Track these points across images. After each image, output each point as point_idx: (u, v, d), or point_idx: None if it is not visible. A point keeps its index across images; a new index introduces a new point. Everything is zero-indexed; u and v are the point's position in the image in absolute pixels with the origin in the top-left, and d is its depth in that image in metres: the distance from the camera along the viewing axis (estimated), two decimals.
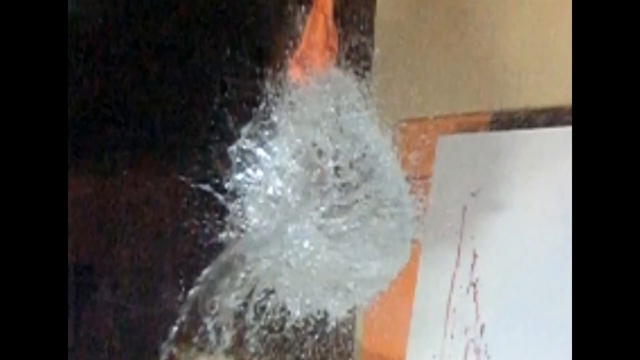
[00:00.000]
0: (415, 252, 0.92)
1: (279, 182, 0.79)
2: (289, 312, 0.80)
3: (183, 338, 0.75)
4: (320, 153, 0.79)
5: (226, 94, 0.98)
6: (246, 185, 0.81)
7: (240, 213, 0.81)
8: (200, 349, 0.76)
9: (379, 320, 0.96)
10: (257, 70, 0.83)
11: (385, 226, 0.80)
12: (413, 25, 1.05)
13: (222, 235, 0.82)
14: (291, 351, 0.92)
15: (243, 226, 0.81)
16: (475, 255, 0.91)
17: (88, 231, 1.18)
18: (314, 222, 0.77)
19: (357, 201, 0.79)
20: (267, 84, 0.82)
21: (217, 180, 0.82)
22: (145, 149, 1.15)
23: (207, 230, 0.83)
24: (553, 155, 0.85)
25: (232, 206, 0.81)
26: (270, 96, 0.82)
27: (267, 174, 0.81)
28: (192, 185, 0.88)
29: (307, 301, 0.80)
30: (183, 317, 0.73)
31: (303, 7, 0.85)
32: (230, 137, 0.81)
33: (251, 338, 0.79)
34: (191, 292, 0.73)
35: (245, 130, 0.81)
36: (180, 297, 0.74)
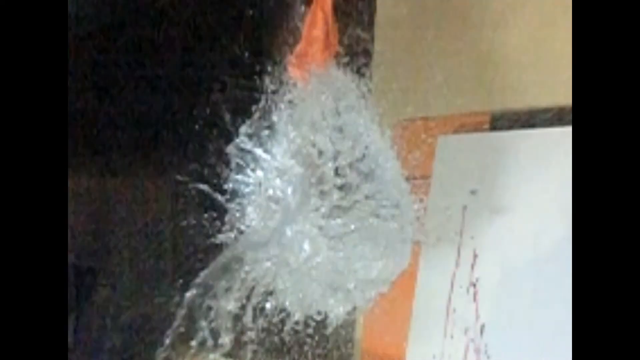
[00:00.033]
0: (415, 252, 0.92)
1: (278, 183, 0.79)
2: (288, 314, 0.80)
3: (181, 340, 0.75)
4: (320, 153, 0.79)
5: (225, 93, 0.98)
6: (245, 186, 0.81)
7: (239, 213, 0.81)
8: (199, 352, 0.76)
9: (379, 321, 0.96)
10: (256, 68, 0.83)
11: (386, 227, 0.80)
12: (413, 23, 1.05)
13: (221, 236, 0.82)
14: (291, 353, 0.92)
15: (242, 227, 0.81)
16: (475, 255, 0.90)
17: (86, 232, 1.18)
18: (314, 223, 0.77)
19: (357, 202, 0.79)
20: (266, 82, 0.82)
21: (215, 181, 0.82)
22: (144, 149, 1.15)
23: (205, 231, 0.83)
24: (553, 155, 0.85)
25: (231, 206, 0.81)
26: (269, 94, 0.81)
27: (267, 174, 0.81)
28: (191, 186, 0.88)
29: (307, 302, 0.80)
30: (181, 319, 0.73)
31: (303, 4, 0.85)
32: (229, 137, 0.81)
33: (250, 340, 0.79)
34: (189, 293, 0.73)
35: (244, 129, 0.81)
36: (178, 299, 0.74)
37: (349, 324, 1.02)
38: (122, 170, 1.17)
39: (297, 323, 0.81)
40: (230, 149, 0.81)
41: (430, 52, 1.00)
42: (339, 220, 0.78)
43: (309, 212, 0.77)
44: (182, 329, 0.74)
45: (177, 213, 1.12)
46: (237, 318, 0.76)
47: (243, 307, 0.77)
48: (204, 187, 0.83)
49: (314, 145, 0.79)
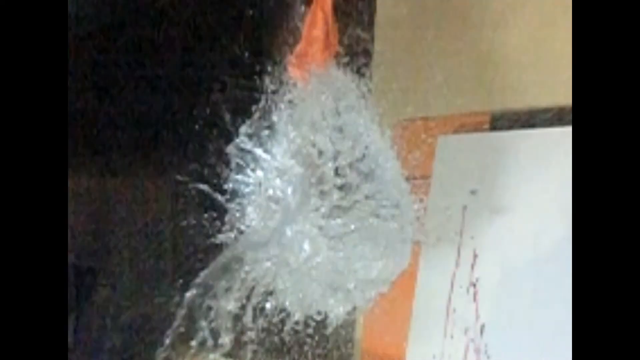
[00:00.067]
0: (416, 252, 0.92)
1: (278, 183, 0.79)
2: (288, 314, 0.80)
3: (181, 340, 0.75)
4: (320, 153, 0.79)
5: (225, 93, 0.98)
6: (245, 186, 0.81)
7: (239, 213, 0.81)
8: (199, 352, 0.76)
9: (379, 321, 0.96)
10: (256, 68, 0.83)
11: (386, 227, 0.80)
12: (413, 23, 1.05)
13: (221, 236, 0.82)
14: (291, 353, 0.92)
15: (242, 227, 0.81)
16: (475, 255, 0.90)
17: (86, 232, 1.18)
18: (314, 223, 0.77)
19: (357, 202, 0.79)
20: (266, 82, 0.82)
21: (215, 181, 0.82)
22: (144, 149, 1.15)
23: (205, 231, 0.83)
24: (553, 155, 0.85)
25: (231, 206, 0.81)
26: (269, 94, 0.81)
27: (267, 174, 0.81)
28: (191, 186, 0.88)
29: (307, 302, 0.80)
30: (181, 319, 0.73)
31: (303, 4, 0.84)
32: (229, 137, 0.81)
33: (250, 340, 0.79)
34: (189, 293, 0.73)
35: (244, 129, 0.81)
36: (178, 299, 0.74)
37: (349, 324, 1.02)
38: (122, 170, 1.17)
39: (297, 323, 0.81)
40: (230, 149, 0.81)
41: (430, 52, 1.00)
42: (339, 220, 0.78)
43: (309, 212, 0.77)
44: (182, 329, 0.74)
45: (177, 213, 1.12)
46: (237, 318, 0.76)
47: (243, 307, 0.77)
48: (204, 187, 0.83)
49: (314, 145, 0.79)
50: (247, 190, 0.81)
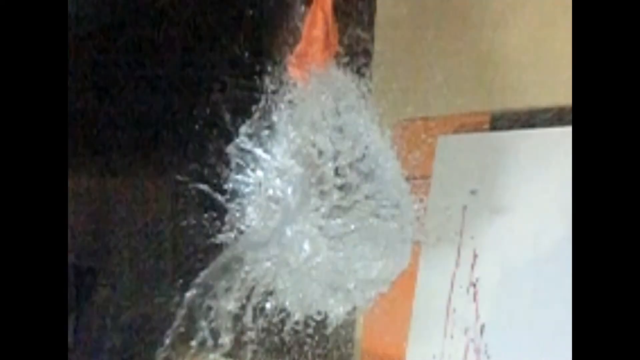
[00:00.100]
0: (416, 252, 0.92)
1: (278, 183, 0.79)
2: (288, 314, 0.80)
3: (181, 340, 0.75)
4: (320, 153, 0.79)
5: (225, 93, 0.98)
6: (245, 186, 0.81)
7: (239, 213, 0.81)
8: (199, 352, 0.76)
9: (379, 321, 0.96)
10: (256, 68, 0.83)
11: (386, 227, 0.80)
12: (413, 23, 1.05)
13: (221, 236, 0.82)
14: (291, 353, 0.92)
15: (242, 227, 0.81)
16: (475, 255, 0.90)
17: (86, 232, 1.18)
18: (314, 223, 0.77)
19: (357, 202, 0.79)
20: (266, 82, 0.82)
21: (215, 181, 0.82)
22: (144, 149, 1.15)
23: (205, 231, 0.83)
24: (553, 155, 0.85)
25: (231, 206, 0.81)
26: (269, 94, 0.81)
27: (267, 174, 0.81)
28: (191, 186, 0.88)
29: (307, 302, 0.80)
30: (181, 319, 0.73)
31: (303, 4, 0.84)
32: (229, 137, 0.81)
33: (250, 340, 0.79)
34: (189, 293, 0.73)
35: (244, 129, 0.81)
36: (178, 299, 0.74)
37: (349, 324, 1.02)
38: (122, 170, 1.17)
39: (297, 323, 0.81)
40: (230, 149, 0.81)
41: (430, 52, 1.00)
42: (339, 220, 0.78)
43: (309, 212, 0.77)
44: (182, 329, 0.74)
45: (177, 213, 1.12)
46: (237, 318, 0.76)
47: (243, 307, 0.77)
48: (204, 187, 0.83)
49: (314, 145, 0.79)
50: (247, 190, 0.81)
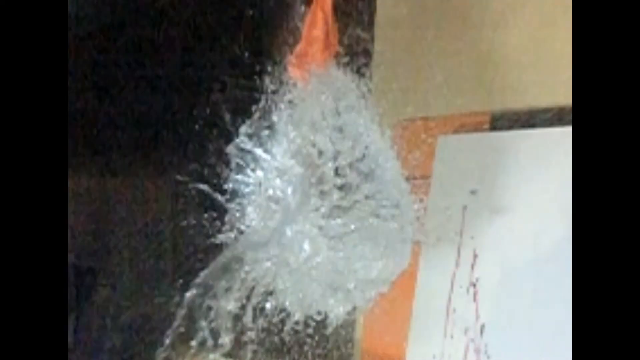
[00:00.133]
0: (416, 252, 0.92)
1: (278, 183, 0.79)
2: (288, 314, 0.80)
3: (181, 340, 0.75)
4: (320, 153, 0.79)
5: (225, 93, 0.98)
6: (245, 186, 0.81)
7: (239, 213, 0.81)
8: (199, 352, 0.76)
9: (379, 321, 0.96)
10: (256, 68, 0.83)
11: (386, 227, 0.80)
12: (413, 23, 1.05)
13: (221, 236, 0.82)
14: (291, 353, 0.92)
15: (242, 227, 0.81)
16: (475, 255, 0.90)
17: (86, 232, 1.18)
18: (314, 223, 0.77)
19: (357, 202, 0.79)
20: (266, 82, 0.82)
21: (215, 181, 0.82)
22: (144, 149, 1.15)
23: (205, 231, 0.83)
24: (553, 155, 0.85)
25: (231, 206, 0.81)
26: (269, 94, 0.81)
27: (267, 174, 0.81)
28: (191, 186, 0.88)
29: (307, 302, 0.80)
30: (181, 319, 0.73)
31: (303, 4, 0.84)
32: (229, 137, 0.81)
33: (250, 340, 0.79)
34: (189, 293, 0.73)
35: (244, 129, 0.81)
36: (178, 299, 0.74)
37: (349, 324, 1.02)
38: (122, 170, 1.17)
39: (297, 323, 0.81)
40: (230, 149, 0.81)
41: (430, 52, 1.00)
42: (339, 220, 0.78)
43: (309, 212, 0.77)
44: (182, 329, 0.74)
45: (177, 213, 1.12)
46: (237, 318, 0.76)
47: (243, 307, 0.77)
48: (204, 187, 0.83)
49: (314, 145, 0.79)
50: (247, 190, 0.81)
